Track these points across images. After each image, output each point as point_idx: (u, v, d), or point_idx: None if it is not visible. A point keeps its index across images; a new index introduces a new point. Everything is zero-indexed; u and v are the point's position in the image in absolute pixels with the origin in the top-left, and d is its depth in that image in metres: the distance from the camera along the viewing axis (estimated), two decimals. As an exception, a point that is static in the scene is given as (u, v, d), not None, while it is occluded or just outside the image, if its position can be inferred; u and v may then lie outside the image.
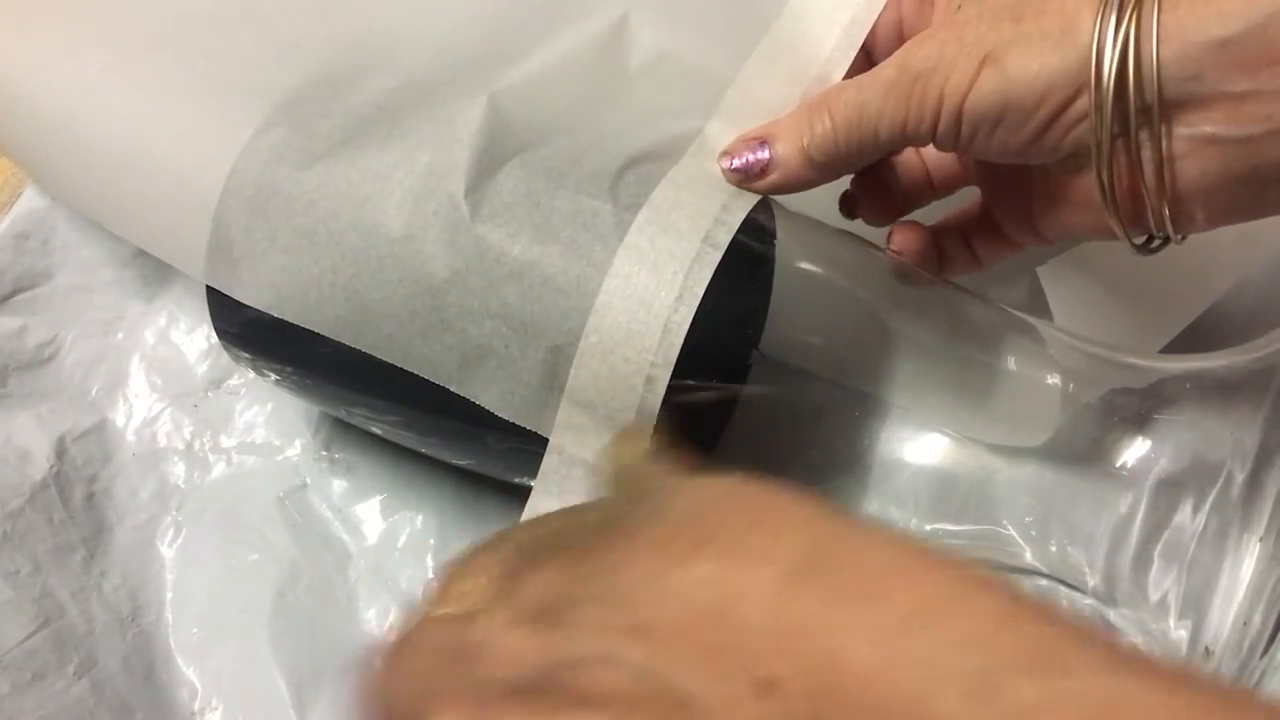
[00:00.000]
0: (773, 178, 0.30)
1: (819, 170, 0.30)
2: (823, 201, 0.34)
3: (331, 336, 0.30)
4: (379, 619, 0.39)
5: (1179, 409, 0.31)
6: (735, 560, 0.16)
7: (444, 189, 0.29)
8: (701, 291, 0.27)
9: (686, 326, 0.27)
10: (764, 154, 0.30)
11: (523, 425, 0.29)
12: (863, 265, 0.34)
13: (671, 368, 0.27)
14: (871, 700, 0.15)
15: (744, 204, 0.29)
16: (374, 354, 0.30)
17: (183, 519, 0.41)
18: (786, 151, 0.30)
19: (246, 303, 0.31)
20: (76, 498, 0.40)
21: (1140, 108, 0.25)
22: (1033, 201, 0.31)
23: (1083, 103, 0.26)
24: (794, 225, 0.32)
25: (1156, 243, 0.29)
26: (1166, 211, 0.27)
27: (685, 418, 0.28)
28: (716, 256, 0.28)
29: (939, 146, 0.29)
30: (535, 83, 0.32)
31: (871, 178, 0.35)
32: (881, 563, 0.16)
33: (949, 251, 0.35)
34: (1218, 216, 0.27)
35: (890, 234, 0.35)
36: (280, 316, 0.30)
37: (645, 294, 0.27)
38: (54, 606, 0.37)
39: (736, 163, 0.30)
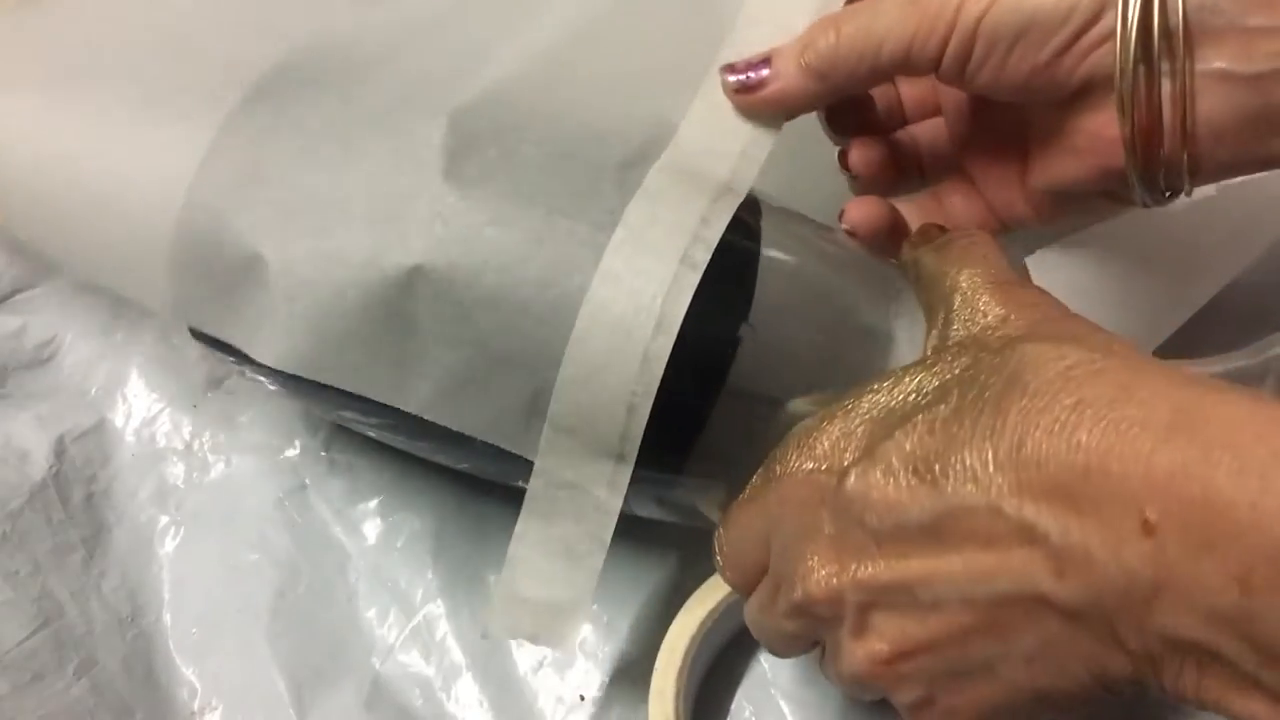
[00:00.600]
0: (771, 89, 0.30)
1: (816, 80, 0.29)
2: (816, 197, 0.33)
3: (294, 371, 0.29)
4: (379, 619, 0.39)
5: None
6: (1111, 426, 0.19)
7: (409, 214, 0.28)
8: (681, 316, 0.27)
9: (666, 355, 0.27)
10: (764, 70, 0.30)
11: (507, 449, 0.29)
12: (851, 262, 0.33)
13: (653, 396, 0.27)
14: (1245, 525, 0.17)
15: (724, 211, 0.29)
16: (341, 386, 0.29)
17: (182, 519, 0.41)
18: (786, 65, 0.29)
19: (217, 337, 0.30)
20: (76, 498, 0.40)
21: (1164, 32, 0.25)
22: (1029, 148, 0.30)
23: (1106, 23, 0.25)
24: (779, 220, 0.32)
25: (1166, 194, 0.28)
26: (1185, 154, 0.26)
27: (665, 420, 0.28)
28: (695, 279, 0.27)
29: (942, 76, 0.28)
30: (495, 94, 0.31)
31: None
32: (1239, 419, 0.18)
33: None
34: (1225, 163, 0.27)
35: (849, 150, 0.33)
36: (248, 353, 0.30)
37: (623, 322, 0.27)
38: (53, 607, 0.37)
39: (737, 78, 0.30)
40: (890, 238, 0.32)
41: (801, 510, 0.24)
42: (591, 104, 0.31)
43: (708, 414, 0.29)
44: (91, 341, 0.43)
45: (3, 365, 0.41)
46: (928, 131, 0.34)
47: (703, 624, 0.35)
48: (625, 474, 0.28)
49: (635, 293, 0.27)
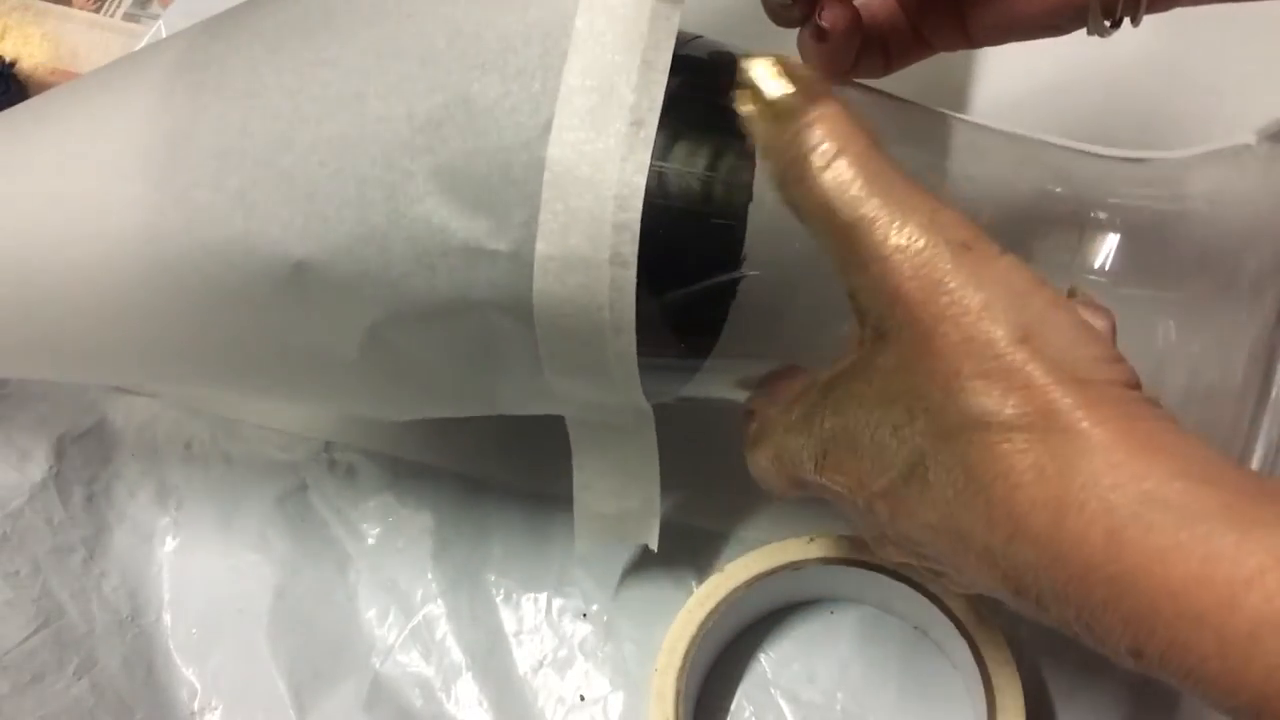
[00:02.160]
0: None
1: None
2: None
3: None
4: (378, 619, 0.39)
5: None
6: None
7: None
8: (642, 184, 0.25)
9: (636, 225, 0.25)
10: None
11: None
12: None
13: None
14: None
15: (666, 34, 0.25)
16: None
17: (182, 519, 0.41)
18: None
19: None
20: (76, 498, 0.40)
21: None
22: None
23: None
24: None
25: (1116, 20, 0.27)
26: None
27: (681, 316, 0.27)
28: (645, 156, 0.25)
29: None
30: None
31: None
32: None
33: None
34: None
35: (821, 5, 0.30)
36: None
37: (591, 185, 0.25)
38: (53, 607, 0.37)
39: None
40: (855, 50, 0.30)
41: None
42: None
43: (723, 293, 0.28)
44: (92, 341, 0.43)
45: (3, 365, 0.41)
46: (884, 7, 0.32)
47: (703, 624, 0.35)
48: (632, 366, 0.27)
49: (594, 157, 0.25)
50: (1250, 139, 0.29)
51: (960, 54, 0.33)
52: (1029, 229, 0.30)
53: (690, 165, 0.27)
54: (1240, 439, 0.27)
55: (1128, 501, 0.18)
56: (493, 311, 0.27)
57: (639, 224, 0.25)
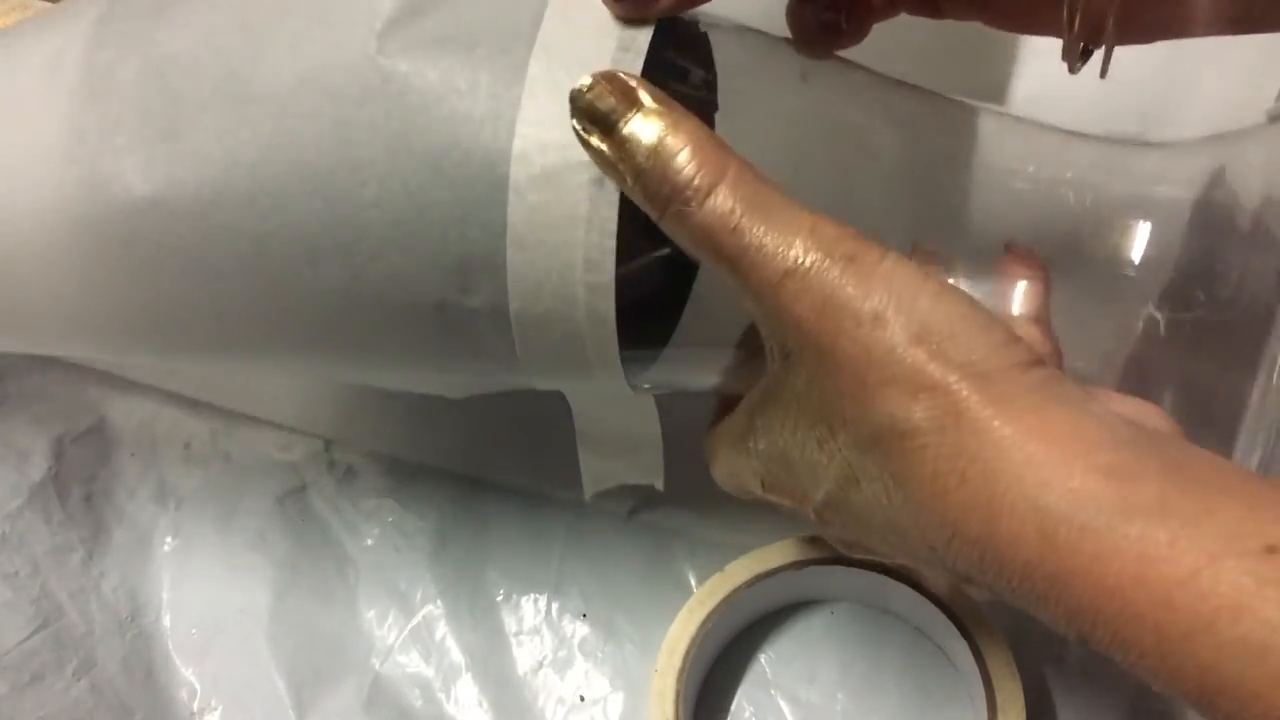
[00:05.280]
0: None
1: None
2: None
3: None
4: (378, 620, 0.39)
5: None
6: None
7: None
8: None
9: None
10: None
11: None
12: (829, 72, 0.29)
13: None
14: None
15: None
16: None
17: (181, 519, 0.41)
18: None
19: None
20: (75, 498, 0.40)
21: None
22: None
23: None
24: (734, 38, 0.28)
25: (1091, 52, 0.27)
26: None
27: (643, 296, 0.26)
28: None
29: None
30: None
31: None
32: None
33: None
34: (1152, 23, 0.26)
35: None
36: None
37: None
38: (53, 607, 0.37)
39: None
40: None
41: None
42: None
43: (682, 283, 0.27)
44: (91, 341, 0.43)
45: (1, 366, 0.41)
46: None
47: (703, 624, 0.35)
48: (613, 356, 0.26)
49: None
50: (1264, 120, 0.29)
51: (1000, 46, 0.32)
52: (1049, 222, 0.29)
53: None
54: (1256, 427, 0.26)
55: (1057, 502, 0.18)
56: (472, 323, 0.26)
57: (613, 283, 0.24)
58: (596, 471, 0.33)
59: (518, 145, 0.24)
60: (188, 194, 0.26)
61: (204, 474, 0.42)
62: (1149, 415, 0.22)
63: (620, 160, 0.22)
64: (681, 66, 0.28)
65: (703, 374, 0.29)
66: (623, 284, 0.24)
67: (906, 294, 0.21)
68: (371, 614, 0.39)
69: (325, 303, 0.27)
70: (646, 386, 0.29)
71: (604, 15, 0.25)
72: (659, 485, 0.34)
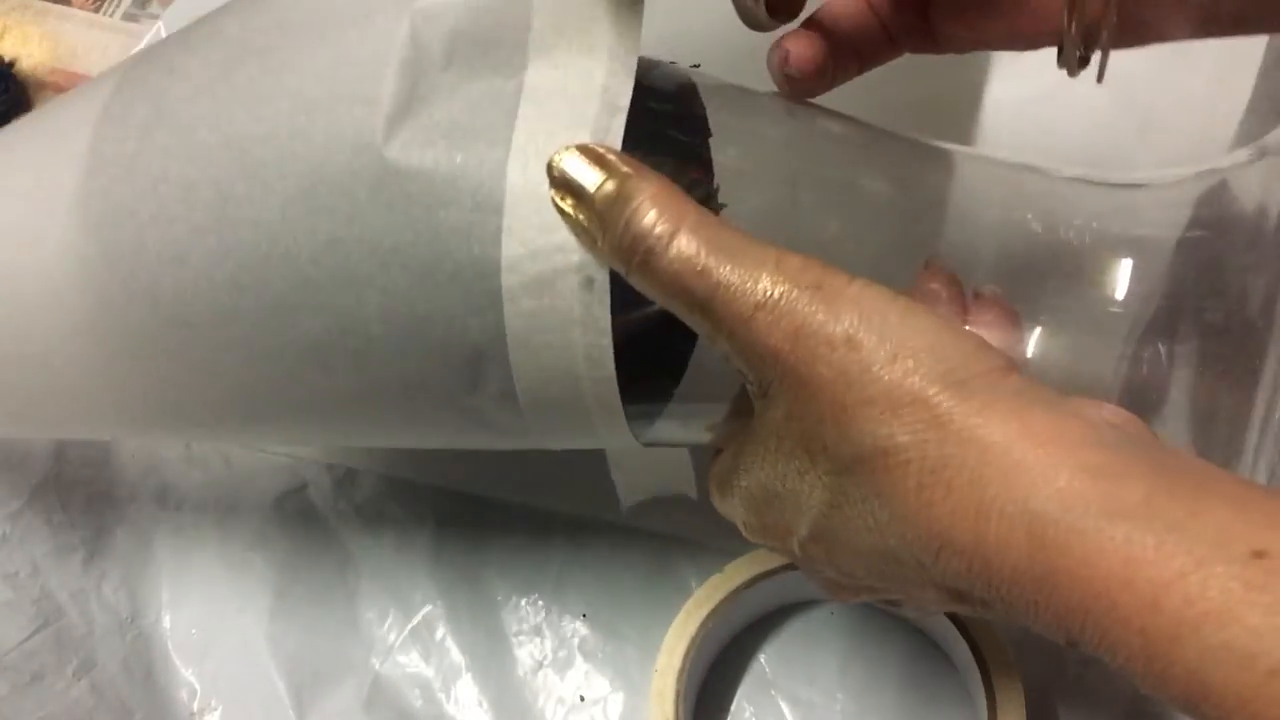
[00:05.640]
0: None
1: None
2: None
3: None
4: (378, 619, 0.39)
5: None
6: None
7: None
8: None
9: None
10: None
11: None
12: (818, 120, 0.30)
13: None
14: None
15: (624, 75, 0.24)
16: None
17: (182, 519, 0.41)
18: None
19: None
20: (76, 499, 0.40)
21: None
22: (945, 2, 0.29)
23: None
24: (726, 96, 0.29)
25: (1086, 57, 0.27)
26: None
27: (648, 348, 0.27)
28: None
29: None
30: None
31: None
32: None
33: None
34: (1154, 24, 0.26)
35: (787, 45, 0.29)
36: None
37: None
38: (53, 608, 0.37)
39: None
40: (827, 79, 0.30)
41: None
42: None
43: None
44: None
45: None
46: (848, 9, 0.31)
47: (703, 624, 0.35)
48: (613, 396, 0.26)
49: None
50: (1244, 155, 0.29)
51: (974, 63, 0.33)
52: (1027, 262, 0.30)
53: None
54: (1250, 460, 0.26)
55: (1045, 504, 0.18)
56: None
57: (614, 374, 0.25)
58: (631, 487, 0.34)
59: (506, 255, 0.24)
60: (202, 316, 0.27)
61: (204, 474, 0.42)
62: (1128, 424, 0.22)
63: (589, 222, 0.23)
64: (667, 111, 0.28)
65: (705, 429, 0.30)
66: (625, 349, 0.25)
67: (876, 314, 0.21)
68: (371, 614, 0.39)
69: (340, 398, 0.28)
70: (654, 441, 0.30)
71: (579, 94, 0.25)
72: (692, 494, 0.35)
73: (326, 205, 0.25)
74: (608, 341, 0.25)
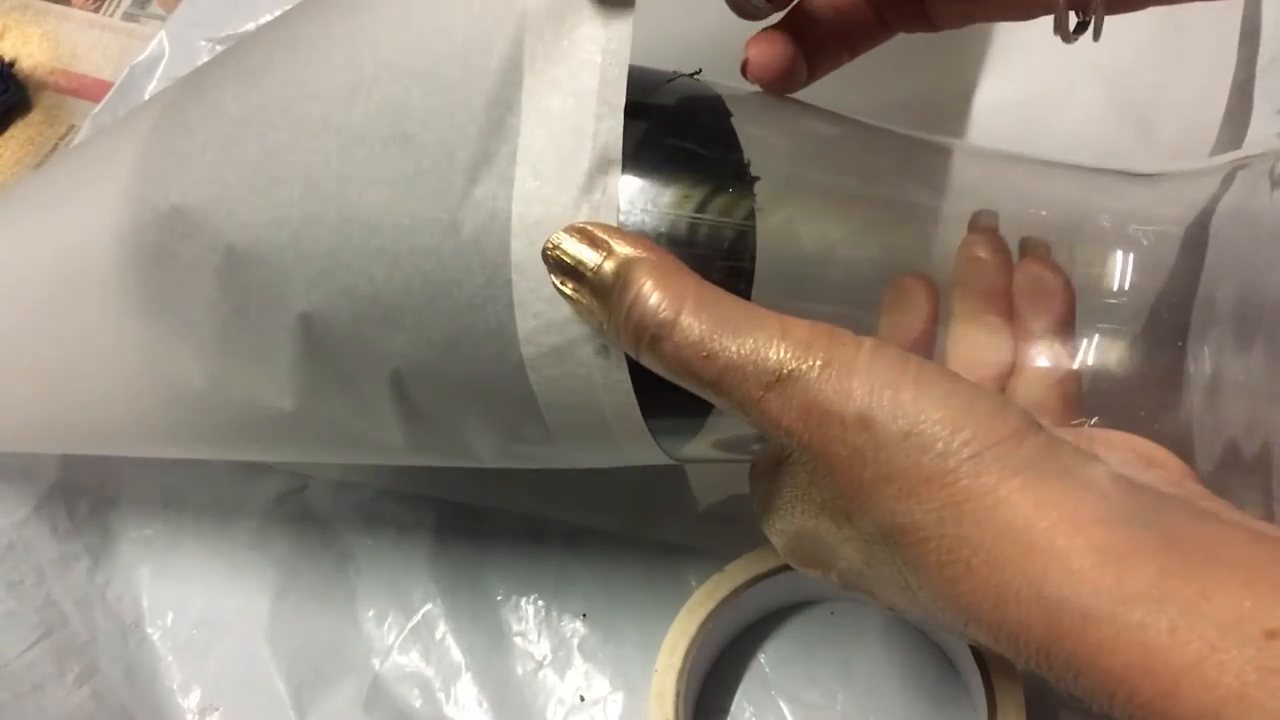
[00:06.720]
0: None
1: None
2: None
3: None
4: (378, 619, 0.39)
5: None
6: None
7: None
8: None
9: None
10: None
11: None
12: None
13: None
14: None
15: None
16: None
17: (183, 522, 0.42)
18: None
19: None
20: (81, 507, 0.41)
21: None
22: None
23: None
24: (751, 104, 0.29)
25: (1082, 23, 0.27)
26: None
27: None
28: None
29: None
30: None
31: None
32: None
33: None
34: None
35: (746, 46, 0.29)
36: None
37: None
38: (56, 616, 0.38)
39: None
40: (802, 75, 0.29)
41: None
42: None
43: None
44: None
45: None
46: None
47: (703, 624, 0.35)
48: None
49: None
50: (1259, 150, 0.29)
51: (969, 54, 0.32)
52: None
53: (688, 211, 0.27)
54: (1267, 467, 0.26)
55: (1058, 588, 0.18)
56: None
57: (644, 426, 0.26)
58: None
59: (521, 329, 0.25)
60: (235, 393, 0.29)
61: (205, 474, 0.42)
62: (1154, 454, 0.22)
63: (592, 306, 0.23)
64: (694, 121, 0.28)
65: (737, 449, 0.30)
66: (653, 389, 0.25)
67: (888, 387, 0.21)
68: (371, 614, 0.40)
69: (389, 451, 0.30)
70: (690, 460, 0.30)
71: (571, 154, 0.24)
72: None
73: (346, 287, 0.26)
74: (632, 400, 0.25)
